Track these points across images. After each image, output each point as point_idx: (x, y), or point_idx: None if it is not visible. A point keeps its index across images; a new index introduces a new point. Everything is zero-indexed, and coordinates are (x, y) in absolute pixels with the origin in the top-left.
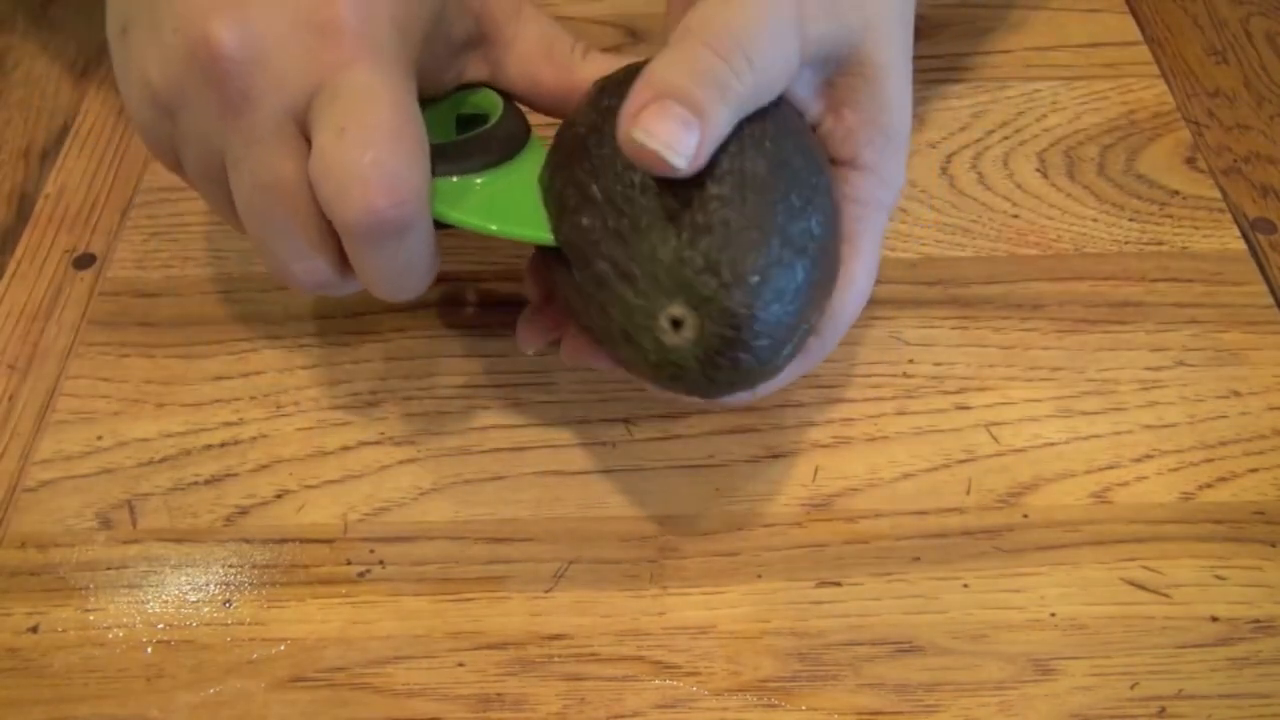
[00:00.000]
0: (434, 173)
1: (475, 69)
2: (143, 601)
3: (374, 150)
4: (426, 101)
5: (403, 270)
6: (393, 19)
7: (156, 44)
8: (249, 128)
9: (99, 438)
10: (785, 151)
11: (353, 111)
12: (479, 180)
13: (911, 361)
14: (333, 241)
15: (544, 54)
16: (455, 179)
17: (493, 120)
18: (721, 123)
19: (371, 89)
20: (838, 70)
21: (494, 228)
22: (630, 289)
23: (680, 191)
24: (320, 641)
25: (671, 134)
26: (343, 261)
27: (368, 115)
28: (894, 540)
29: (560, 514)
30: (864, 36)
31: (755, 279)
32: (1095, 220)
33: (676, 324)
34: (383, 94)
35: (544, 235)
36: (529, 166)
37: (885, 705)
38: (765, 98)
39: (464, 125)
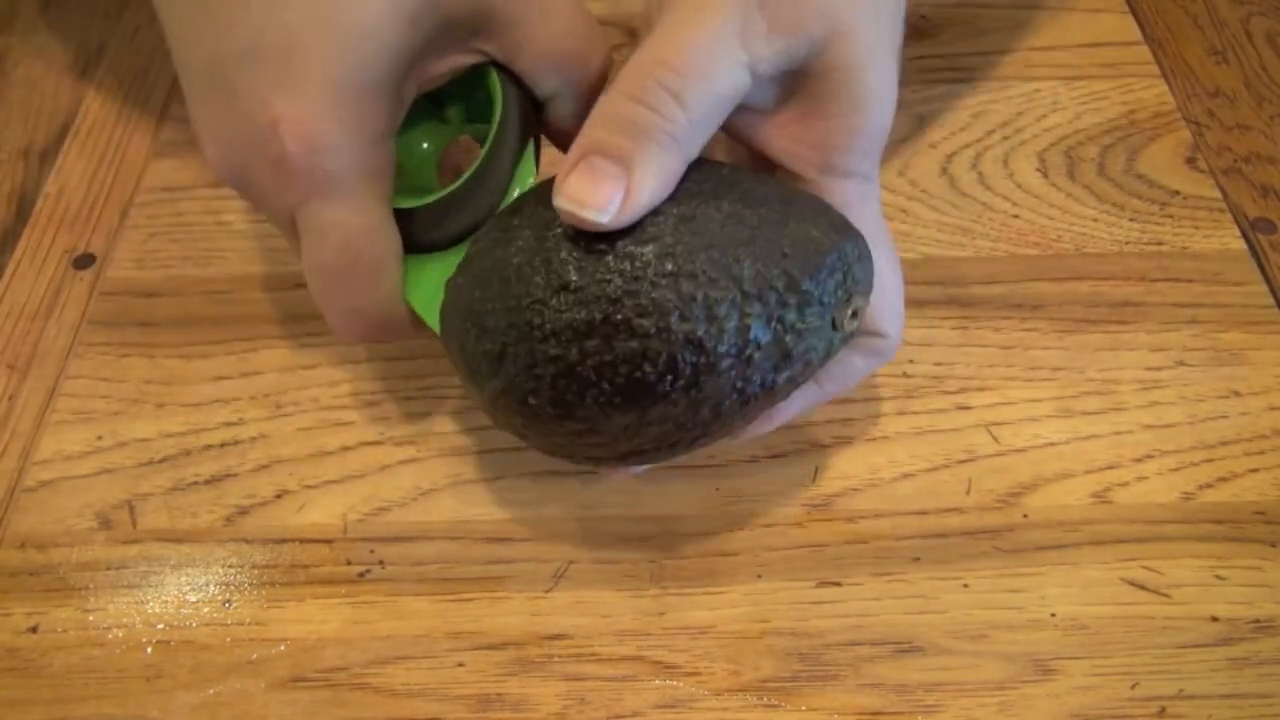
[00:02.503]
0: (413, 246)
1: (487, 55)
2: (142, 601)
3: (333, 293)
4: (427, 103)
5: (400, 340)
6: (346, 126)
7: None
8: (273, 223)
9: (99, 438)
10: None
11: (312, 253)
12: (439, 263)
13: (911, 361)
14: None
15: (554, 64)
16: (425, 263)
17: (485, 146)
18: (656, 169)
19: (323, 230)
20: (802, 79)
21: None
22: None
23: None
24: (320, 641)
25: (591, 191)
26: None
27: (323, 258)
28: (894, 540)
29: (560, 514)
30: (829, 44)
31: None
32: (1095, 220)
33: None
34: (333, 236)
35: None
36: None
37: (885, 705)
38: (710, 128)
39: (469, 120)
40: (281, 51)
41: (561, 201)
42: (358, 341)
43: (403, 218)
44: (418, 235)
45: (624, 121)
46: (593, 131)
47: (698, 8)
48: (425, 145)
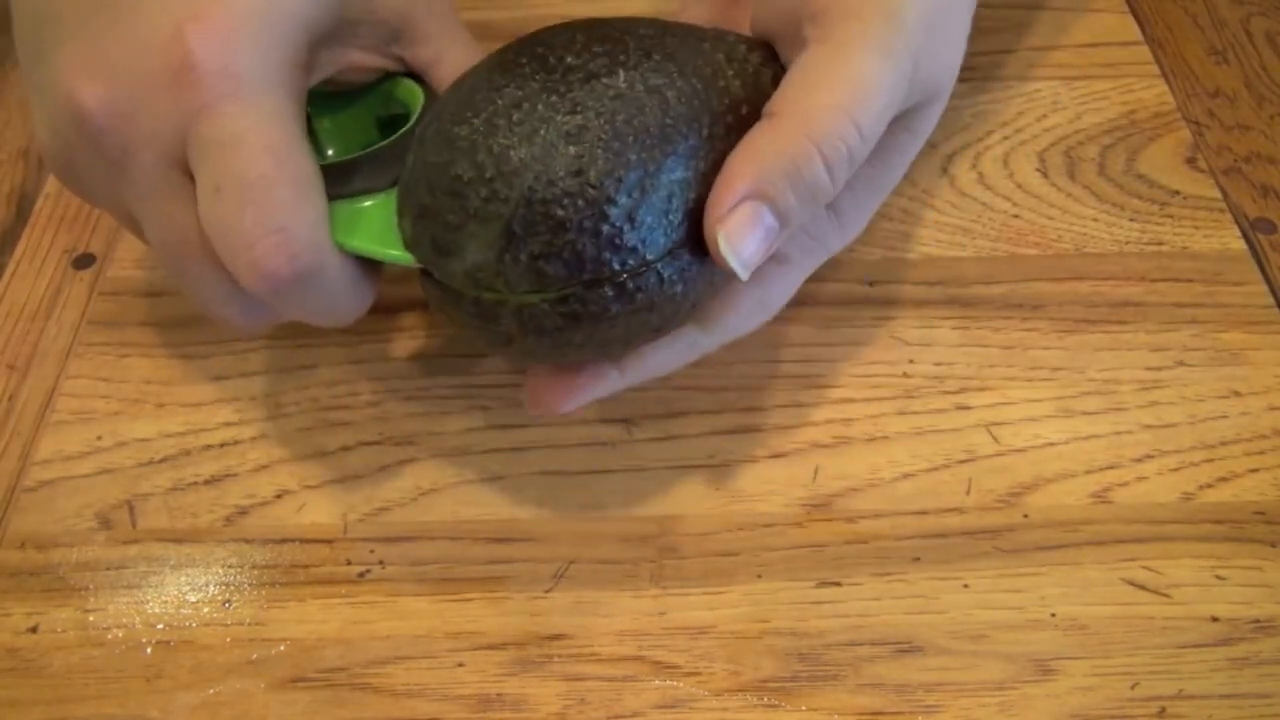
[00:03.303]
0: (336, 195)
1: (403, 64)
2: (142, 602)
3: (253, 208)
4: (342, 96)
5: (326, 307)
6: (259, 42)
7: (41, 106)
8: (135, 183)
9: (99, 438)
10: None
11: (223, 166)
12: (380, 199)
13: (911, 361)
14: None
15: None
16: (362, 202)
17: (409, 123)
18: (796, 224)
19: (239, 135)
20: None
21: (395, 253)
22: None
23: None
24: (320, 641)
25: (750, 245)
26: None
27: (239, 167)
28: (894, 540)
29: (560, 514)
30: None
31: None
32: (1095, 220)
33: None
34: (252, 138)
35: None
36: None
37: (885, 705)
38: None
39: (387, 127)
40: None
41: (723, 243)
42: (278, 284)
43: (331, 169)
44: (335, 189)
45: (804, 178)
46: (771, 174)
47: (882, 52)
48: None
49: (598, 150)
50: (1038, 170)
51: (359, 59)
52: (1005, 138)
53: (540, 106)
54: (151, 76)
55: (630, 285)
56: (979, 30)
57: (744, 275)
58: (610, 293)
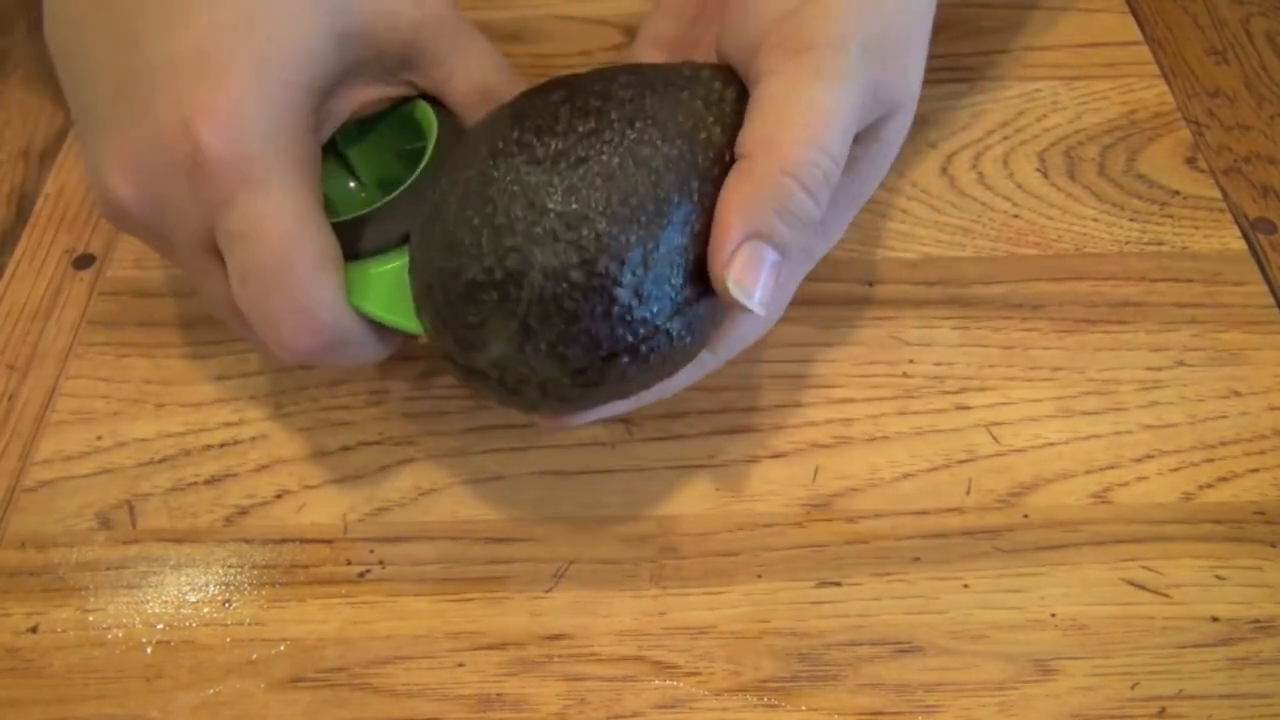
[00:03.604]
0: (353, 251)
1: (416, 87)
2: (142, 601)
3: (276, 297)
4: (368, 120)
5: (354, 361)
6: (263, 123)
7: (95, 188)
8: (180, 260)
9: (99, 438)
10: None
11: (245, 256)
12: (393, 261)
13: (911, 361)
14: None
15: (478, 97)
16: (377, 265)
17: (420, 164)
18: (796, 250)
19: (255, 224)
20: None
21: (408, 324)
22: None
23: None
24: (320, 641)
25: (755, 280)
26: None
27: (259, 258)
28: (894, 540)
29: (560, 514)
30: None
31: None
32: (1095, 220)
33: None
34: (268, 226)
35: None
36: None
37: (885, 705)
38: None
39: (406, 156)
40: (197, 58)
41: (732, 288)
42: (307, 356)
43: (336, 230)
44: (353, 247)
45: (791, 211)
46: (760, 213)
47: (836, 81)
48: (350, 185)
49: (599, 238)
50: (1038, 170)
51: (371, 95)
52: (1005, 138)
53: (536, 199)
54: (170, 170)
55: (643, 350)
56: (979, 30)
57: (762, 311)
58: (626, 360)
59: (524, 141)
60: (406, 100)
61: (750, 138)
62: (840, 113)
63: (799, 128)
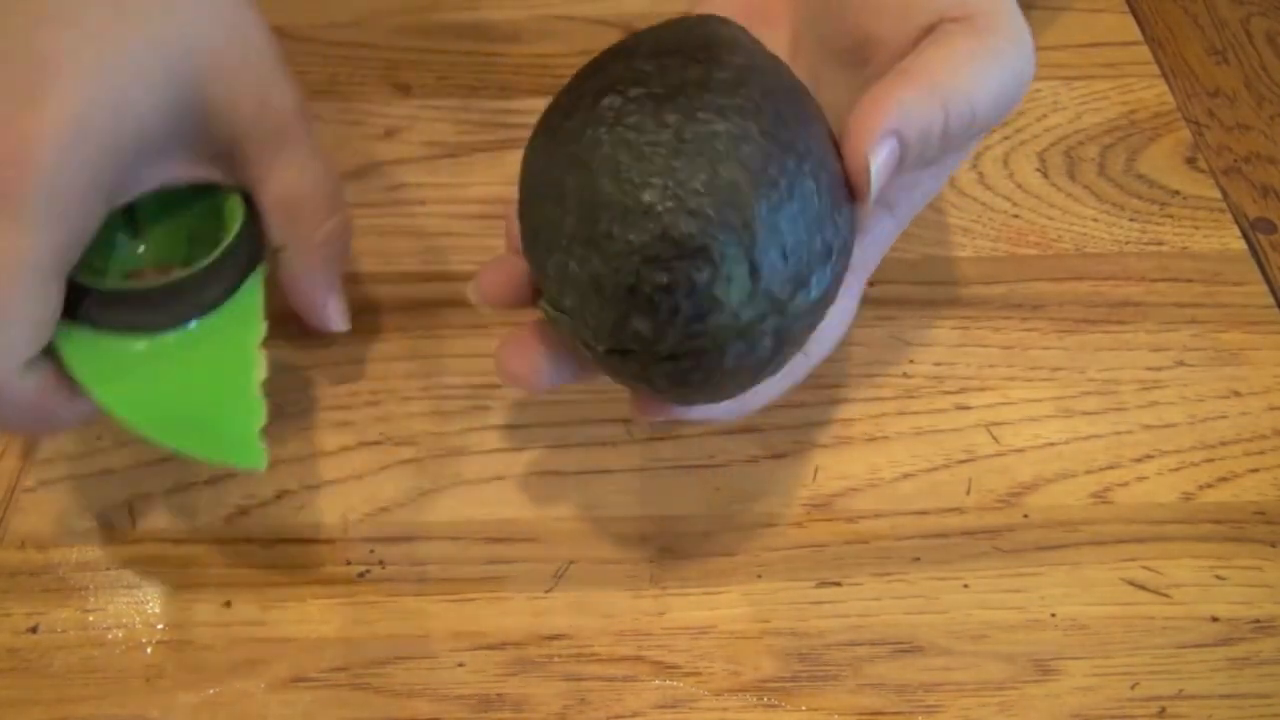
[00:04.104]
0: (109, 323)
1: (231, 177)
2: (142, 601)
3: None
4: (168, 196)
5: (13, 425)
6: (66, 148)
7: None
8: None
9: (99, 438)
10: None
11: None
12: (141, 343)
13: (911, 361)
14: None
15: (282, 210)
16: (118, 341)
17: (220, 248)
18: (908, 167)
19: None
20: None
21: (139, 421)
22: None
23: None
24: (320, 641)
25: (885, 173)
26: None
27: None
28: (894, 540)
29: (560, 514)
30: None
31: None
32: (1095, 220)
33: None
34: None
35: (231, 453)
36: (238, 326)
37: (885, 705)
38: None
39: (198, 239)
40: (35, 60)
41: (874, 168)
42: None
43: (102, 296)
44: (104, 315)
45: (928, 134)
46: (917, 120)
47: (1020, 57)
48: (140, 250)
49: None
50: (1038, 170)
51: (185, 172)
52: (1005, 138)
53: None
54: None
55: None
56: None
57: (874, 192)
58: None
59: (626, 141)
60: (221, 187)
61: (919, 60)
62: (1009, 84)
63: (964, 73)
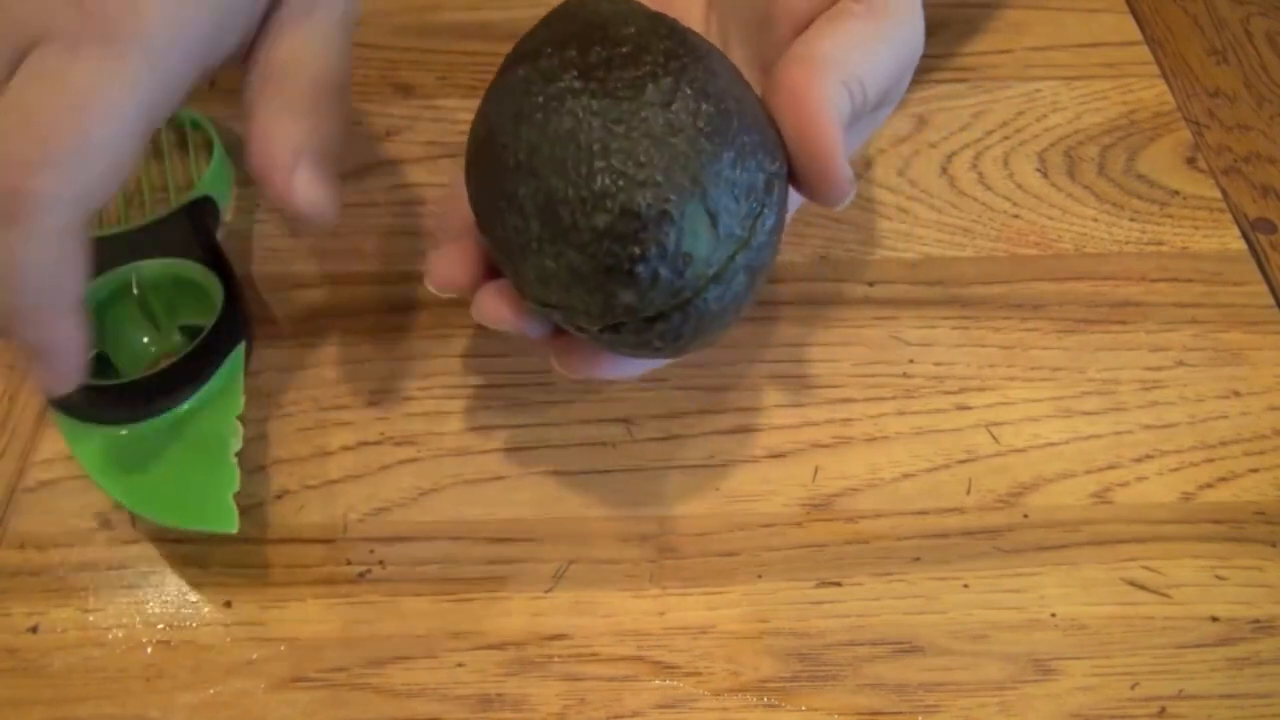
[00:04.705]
0: (111, 418)
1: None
2: (143, 601)
3: (14, 148)
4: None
5: (5, 275)
6: (155, 17)
7: None
8: None
9: None
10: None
11: (33, 93)
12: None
13: (911, 361)
14: None
15: (276, 71)
16: (111, 431)
17: (202, 334)
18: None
19: (97, 78)
20: None
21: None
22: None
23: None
24: (320, 641)
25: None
26: None
27: (51, 101)
28: (894, 540)
29: (560, 514)
30: None
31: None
32: (1095, 220)
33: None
34: (111, 92)
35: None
36: (220, 402)
37: (885, 705)
38: None
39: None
40: None
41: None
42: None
43: (97, 392)
44: (103, 409)
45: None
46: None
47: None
48: (144, 340)
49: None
50: (1038, 170)
51: (240, 50)
52: (1005, 138)
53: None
54: None
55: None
56: (979, 30)
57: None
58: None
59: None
60: (200, 265)
61: (822, 47)
62: (888, 66)
63: (855, 62)
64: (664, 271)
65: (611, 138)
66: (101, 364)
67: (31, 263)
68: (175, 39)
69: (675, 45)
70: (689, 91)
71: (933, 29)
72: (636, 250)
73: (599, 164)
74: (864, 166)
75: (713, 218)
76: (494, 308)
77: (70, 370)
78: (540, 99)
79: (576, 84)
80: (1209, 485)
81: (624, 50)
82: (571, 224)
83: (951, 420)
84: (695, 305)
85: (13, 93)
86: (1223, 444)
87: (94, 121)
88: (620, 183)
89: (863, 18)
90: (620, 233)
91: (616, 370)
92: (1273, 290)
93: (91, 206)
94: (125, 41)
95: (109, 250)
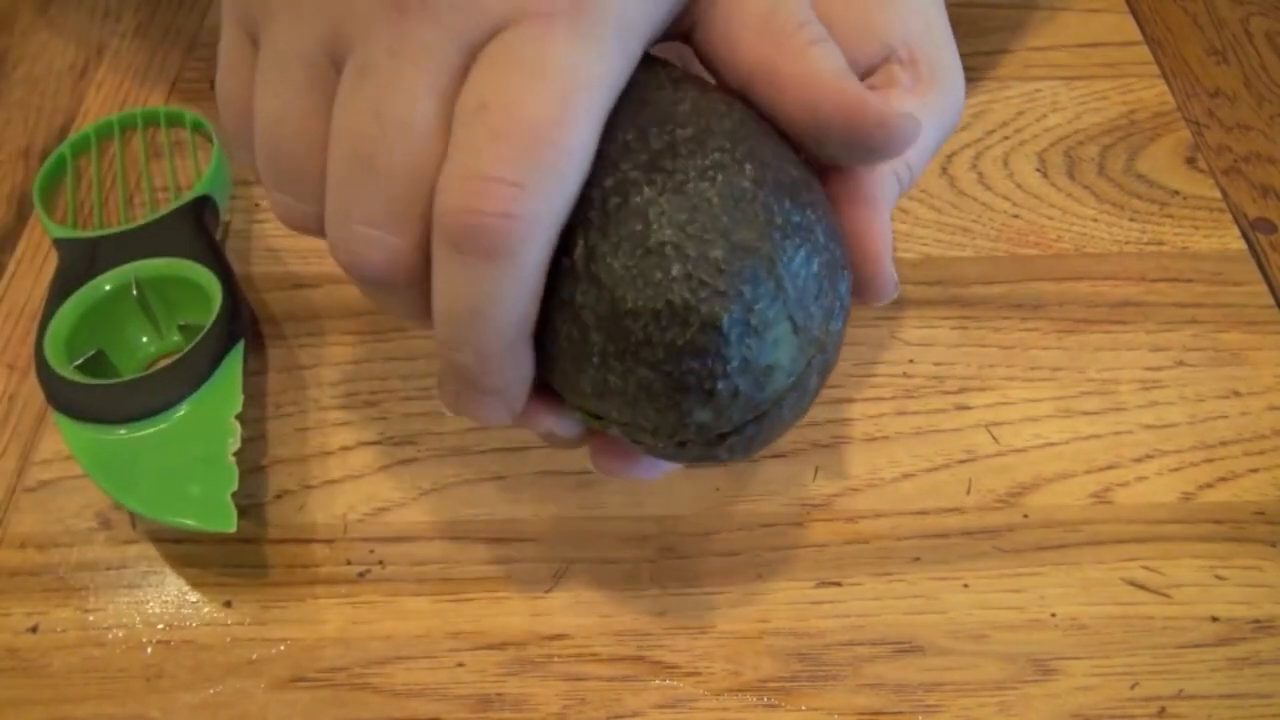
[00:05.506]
0: (99, 417)
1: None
2: (143, 601)
3: (504, 157)
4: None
5: (483, 314)
6: None
7: None
8: (408, 36)
9: None
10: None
11: (511, 87)
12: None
13: (911, 361)
14: (421, 225)
15: (759, 20)
16: (141, 429)
17: (202, 331)
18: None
19: (574, 61)
20: None
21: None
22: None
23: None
24: (320, 641)
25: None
26: (421, 261)
27: (537, 112)
28: (894, 540)
29: (560, 514)
30: None
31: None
32: (1095, 220)
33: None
34: (585, 75)
35: (211, 519)
36: (218, 402)
37: (885, 705)
38: None
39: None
40: None
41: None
42: (479, 236)
43: (96, 392)
44: (103, 409)
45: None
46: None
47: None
48: (143, 340)
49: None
50: (1038, 170)
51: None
52: (1005, 138)
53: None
54: None
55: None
56: (979, 30)
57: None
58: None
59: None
60: (199, 264)
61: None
62: (931, 144)
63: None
64: (744, 386)
65: (686, 240)
66: (101, 363)
67: (514, 298)
68: (643, 13)
69: (731, 121)
70: (759, 180)
71: None
72: (719, 366)
73: (676, 270)
74: None
75: (794, 324)
76: (535, 415)
77: (520, 402)
78: (597, 193)
79: (635, 175)
80: (1209, 485)
81: (688, 133)
82: (644, 339)
83: (951, 420)
84: (770, 415)
85: (482, 87)
86: (1223, 444)
87: (579, 116)
88: (701, 294)
89: (910, 91)
90: (699, 347)
91: (656, 471)
92: (1273, 290)
93: (562, 224)
94: (598, 16)
95: (109, 250)
